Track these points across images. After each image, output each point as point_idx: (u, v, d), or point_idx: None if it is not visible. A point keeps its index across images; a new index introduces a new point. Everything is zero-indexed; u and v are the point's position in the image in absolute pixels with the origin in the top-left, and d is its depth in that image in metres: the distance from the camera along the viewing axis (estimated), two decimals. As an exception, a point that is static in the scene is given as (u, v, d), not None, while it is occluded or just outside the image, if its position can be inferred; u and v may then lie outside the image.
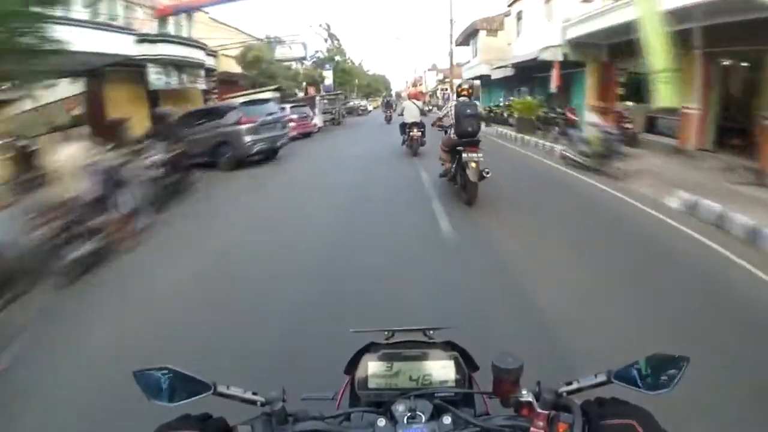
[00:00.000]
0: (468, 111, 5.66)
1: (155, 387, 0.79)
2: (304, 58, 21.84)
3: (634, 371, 0.77)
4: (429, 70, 47.67)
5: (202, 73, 15.37)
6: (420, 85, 50.37)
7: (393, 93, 71.22)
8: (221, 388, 0.81)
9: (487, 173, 5.59)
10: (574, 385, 0.79)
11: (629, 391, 0.76)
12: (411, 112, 10.41)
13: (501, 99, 20.79)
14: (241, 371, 2.40)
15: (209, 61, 15.88)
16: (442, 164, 6.54)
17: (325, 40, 43.68)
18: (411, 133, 10.38)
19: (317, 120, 18.77)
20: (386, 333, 0.99)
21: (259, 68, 18.79)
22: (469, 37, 25.81)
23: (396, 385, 0.91)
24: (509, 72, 18.40)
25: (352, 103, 36.65)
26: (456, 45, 26.94)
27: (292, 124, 14.36)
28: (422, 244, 4.60)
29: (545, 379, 0.80)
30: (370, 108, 39.58)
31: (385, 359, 0.92)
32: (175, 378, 0.79)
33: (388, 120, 22.89)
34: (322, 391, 1.01)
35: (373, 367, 0.92)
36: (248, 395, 0.83)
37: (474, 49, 25.29)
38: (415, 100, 10.84)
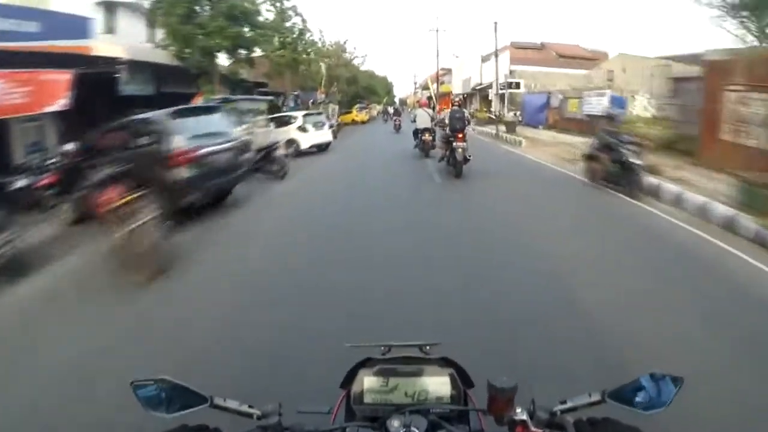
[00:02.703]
0: (457, 116, 8.61)
1: (153, 398, 0.80)
2: None
3: (628, 390, 0.77)
4: (457, 57, 35.45)
5: None
6: (442, 83, 37.49)
7: (397, 99, 68.34)
8: (218, 401, 0.82)
9: (470, 156, 8.43)
10: (568, 404, 0.80)
11: (623, 410, 0.76)
12: (423, 119, 11.63)
13: None
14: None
15: None
16: (442, 151, 9.48)
17: None
18: (423, 138, 11.51)
19: None
20: (383, 348, 0.99)
21: None
22: None
23: (391, 400, 0.91)
24: None
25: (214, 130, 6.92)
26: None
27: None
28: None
29: (539, 398, 0.81)
30: (323, 139, 14.63)
31: (381, 374, 0.93)
32: (173, 390, 0.80)
33: (398, 128, 21.08)
34: (318, 404, 1.02)
35: (369, 382, 0.93)
36: (244, 408, 0.84)
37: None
38: (426, 108, 12.16)
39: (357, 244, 4.99)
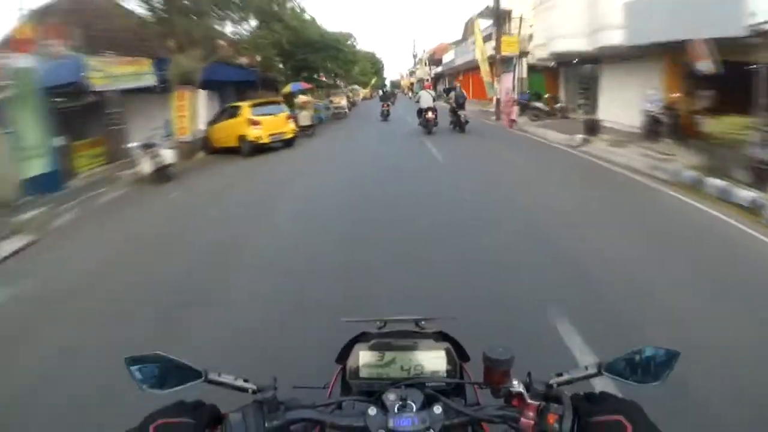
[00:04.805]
0: (460, 93, 13.63)
1: (147, 375, 0.79)
2: None
3: (624, 363, 0.78)
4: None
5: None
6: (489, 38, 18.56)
7: (388, 82, 62.91)
8: (212, 376, 0.81)
9: (468, 119, 13.30)
10: (565, 377, 0.80)
11: (619, 383, 0.76)
12: (426, 99, 13.86)
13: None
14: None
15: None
16: (450, 118, 13.81)
17: None
18: (426, 116, 13.53)
19: None
20: (378, 323, 0.99)
21: None
22: None
23: (387, 374, 0.91)
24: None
25: None
26: None
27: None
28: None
29: (536, 371, 0.81)
30: None
31: (377, 349, 0.93)
32: (167, 365, 0.79)
33: (386, 115, 18.34)
34: (313, 381, 1.02)
35: (364, 356, 0.93)
36: (239, 383, 0.83)
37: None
38: (429, 90, 14.68)
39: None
